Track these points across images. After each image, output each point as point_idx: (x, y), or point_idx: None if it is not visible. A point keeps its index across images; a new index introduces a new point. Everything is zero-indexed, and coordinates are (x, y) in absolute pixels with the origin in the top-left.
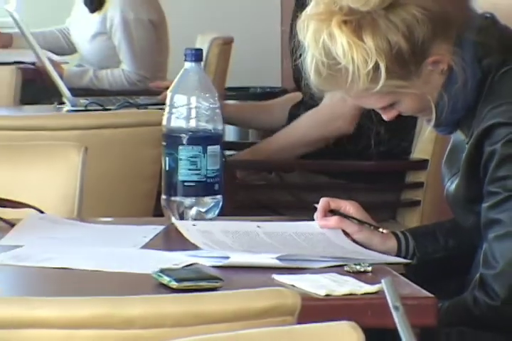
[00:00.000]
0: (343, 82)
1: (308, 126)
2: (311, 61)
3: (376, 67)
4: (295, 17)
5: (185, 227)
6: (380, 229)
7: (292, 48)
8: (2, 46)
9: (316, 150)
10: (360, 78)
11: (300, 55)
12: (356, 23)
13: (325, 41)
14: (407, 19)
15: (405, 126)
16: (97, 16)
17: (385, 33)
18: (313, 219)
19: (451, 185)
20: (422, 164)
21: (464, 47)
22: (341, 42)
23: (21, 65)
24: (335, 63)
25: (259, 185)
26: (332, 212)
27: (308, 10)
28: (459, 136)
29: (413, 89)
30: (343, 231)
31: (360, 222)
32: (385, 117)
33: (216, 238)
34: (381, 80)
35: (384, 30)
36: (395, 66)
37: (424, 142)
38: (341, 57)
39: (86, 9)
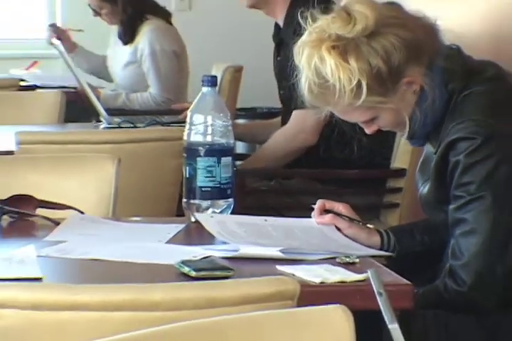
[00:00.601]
0: (331, 98)
1: (278, 141)
2: (305, 81)
3: (359, 84)
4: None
5: (204, 218)
6: (368, 225)
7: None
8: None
9: (310, 158)
10: (345, 94)
11: (296, 76)
12: (342, 48)
13: (316, 63)
14: (385, 45)
15: (385, 140)
16: (129, 48)
17: (366, 56)
18: (311, 217)
19: (424, 189)
20: (400, 172)
21: (434, 72)
22: (330, 64)
23: (65, 89)
24: (324, 82)
25: (264, 190)
26: (326, 211)
27: (303, 38)
28: (429, 148)
29: (390, 105)
30: (336, 227)
31: (350, 220)
32: (367, 131)
33: (229, 228)
34: (363, 96)
35: (366, 54)
36: (375, 84)
37: (402, 154)
38: (330, 77)
39: (120, 42)
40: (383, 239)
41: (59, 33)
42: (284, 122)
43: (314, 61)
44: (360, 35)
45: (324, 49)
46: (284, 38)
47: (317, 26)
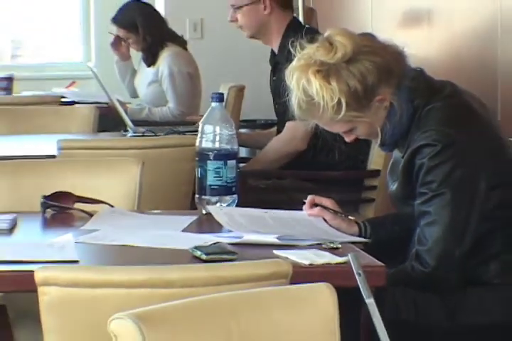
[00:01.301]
0: (316, 113)
1: (274, 147)
2: (294, 98)
3: (339, 102)
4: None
5: (214, 210)
6: (349, 217)
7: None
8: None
9: (300, 162)
10: (328, 109)
11: (287, 94)
12: (325, 72)
13: (304, 85)
14: (361, 69)
15: (362, 147)
16: (151, 70)
17: (345, 79)
18: (303, 210)
19: (393, 187)
20: (375, 173)
21: (401, 91)
22: (315, 85)
23: (98, 104)
24: (311, 99)
25: (262, 187)
26: (315, 205)
27: (293, 63)
28: (397, 153)
29: (365, 119)
30: (323, 218)
31: (335, 212)
32: (347, 140)
33: (235, 219)
34: (342, 111)
35: (345, 77)
36: (352, 102)
37: (377, 157)
38: (315, 95)
39: (144, 65)
40: (361, 229)
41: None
42: (279, 131)
43: (302, 83)
44: (340, 61)
45: (310, 73)
46: (278, 62)
47: (305, 53)
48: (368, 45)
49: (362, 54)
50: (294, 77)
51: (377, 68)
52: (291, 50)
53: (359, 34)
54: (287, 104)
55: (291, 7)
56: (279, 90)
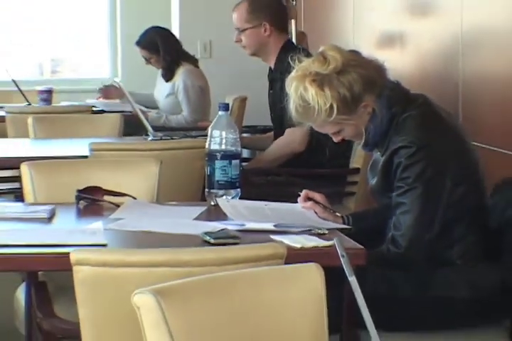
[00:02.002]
0: (311, 116)
1: (275, 148)
2: (292, 103)
3: (331, 106)
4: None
5: (222, 202)
6: (336, 213)
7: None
8: (117, 97)
9: (294, 161)
10: (321, 113)
11: (286, 100)
12: (320, 81)
13: (301, 92)
14: (349, 80)
15: (346, 149)
16: (169, 84)
17: (336, 87)
18: (297, 203)
19: (373, 182)
20: (356, 170)
21: (382, 99)
22: (311, 92)
23: (123, 113)
24: (307, 104)
25: (262, 183)
26: (309, 199)
27: (292, 73)
28: (376, 153)
29: (352, 121)
30: (314, 211)
31: (324, 207)
32: (335, 140)
33: (238, 210)
34: (334, 114)
35: (336, 86)
36: (342, 106)
37: (358, 157)
38: (311, 101)
39: (163, 80)
40: (344, 221)
41: (107, 93)
42: (275, 135)
43: (300, 90)
44: (332, 72)
45: (307, 82)
46: (274, 78)
47: (302, 66)
48: (355, 59)
49: (350, 67)
50: (292, 85)
51: (363, 79)
52: (291, 63)
53: (348, 50)
54: (283, 112)
55: (286, 31)
56: (274, 101)
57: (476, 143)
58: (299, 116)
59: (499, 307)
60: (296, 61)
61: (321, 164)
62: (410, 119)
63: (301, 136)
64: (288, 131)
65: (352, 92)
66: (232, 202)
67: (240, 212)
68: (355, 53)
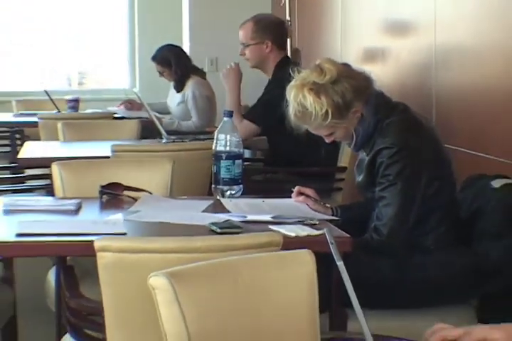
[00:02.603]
0: (308, 120)
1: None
2: (292, 109)
3: (326, 112)
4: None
5: (225, 201)
6: (326, 204)
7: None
8: (137, 109)
9: (289, 161)
10: (317, 117)
11: (286, 106)
12: (316, 90)
13: (300, 99)
14: (342, 89)
15: (333, 150)
16: (180, 94)
17: (331, 95)
18: (291, 198)
19: (359, 178)
20: (343, 169)
21: (369, 105)
22: (309, 99)
23: (140, 119)
24: (305, 110)
25: (261, 180)
26: (301, 193)
27: (292, 83)
28: (362, 153)
29: (343, 125)
30: (307, 204)
31: (315, 200)
32: (327, 141)
33: (240, 207)
34: (328, 119)
35: (331, 94)
36: (335, 112)
37: (344, 157)
38: (309, 107)
39: (174, 91)
40: (333, 212)
41: (129, 106)
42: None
43: (299, 97)
44: (328, 82)
45: (306, 90)
46: (268, 88)
47: (301, 76)
48: (347, 71)
49: (343, 77)
50: (292, 93)
51: (353, 88)
52: (291, 73)
53: (341, 63)
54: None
55: (285, 48)
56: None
57: (447, 145)
58: (297, 120)
59: (468, 288)
60: (296, 72)
61: (317, 162)
62: (392, 124)
63: (249, 132)
64: (245, 122)
65: (344, 100)
66: (234, 201)
67: (241, 209)
68: (346, 66)
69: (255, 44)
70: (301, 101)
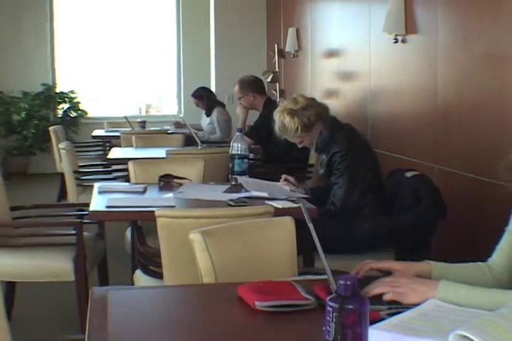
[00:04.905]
0: (286, 133)
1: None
2: (276, 125)
3: (297, 128)
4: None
5: (241, 179)
6: (301, 188)
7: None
8: (182, 127)
9: (276, 158)
10: (292, 131)
11: (273, 124)
12: (292, 113)
13: (281, 119)
14: (309, 113)
15: (307, 152)
16: (208, 117)
17: (301, 117)
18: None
19: (321, 171)
20: (311, 165)
21: (326, 125)
22: (287, 119)
23: (184, 134)
24: (284, 126)
25: (260, 172)
26: (285, 180)
27: (277, 109)
28: (323, 155)
29: (309, 137)
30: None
31: (294, 185)
32: (300, 146)
33: (249, 182)
34: (298, 132)
35: (301, 116)
36: (303, 128)
37: (313, 157)
38: (287, 124)
39: (205, 116)
40: (305, 193)
41: (177, 125)
42: (262, 147)
43: (281, 118)
44: (299, 109)
45: (285, 114)
46: (259, 119)
47: (283, 104)
48: (312, 102)
49: (309, 106)
50: (276, 115)
51: (316, 113)
52: (278, 104)
53: (309, 97)
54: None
55: (265, 93)
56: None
57: (377, 150)
58: (279, 132)
59: (390, 241)
60: (281, 102)
61: (295, 160)
62: (342, 137)
63: (248, 143)
64: (245, 137)
65: (310, 121)
66: (245, 179)
67: (249, 184)
68: (313, 99)
69: (244, 96)
70: (281, 120)
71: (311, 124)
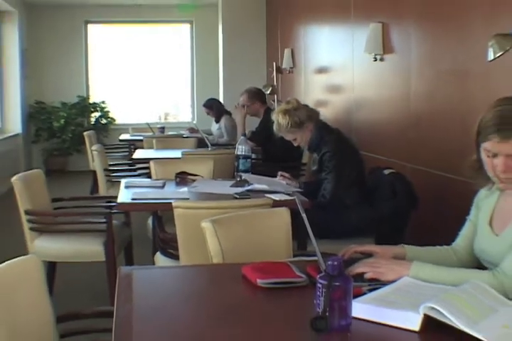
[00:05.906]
0: (282, 129)
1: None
2: (274, 125)
3: (288, 123)
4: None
5: (245, 175)
6: (295, 183)
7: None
8: (195, 132)
9: (275, 157)
10: (286, 128)
11: (273, 123)
12: (285, 112)
13: (277, 118)
14: (300, 113)
15: (299, 152)
16: (217, 124)
17: (293, 116)
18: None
19: (314, 168)
20: (305, 164)
21: (316, 129)
22: (282, 118)
23: (197, 137)
24: (278, 124)
25: (261, 169)
26: (282, 176)
27: (275, 110)
28: (314, 154)
29: (301, 134)
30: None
31: (290, 180)
32: (294, 144)
33: (252, 177)
34: (289, 127)
35: (293, 115)
36: (295, 126)
37: (305, 156)
38: (281, 122)
39: (215, 122)
40: (299, 187)
41: (191, 131)
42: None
43: (276, 117)
44: (292, 109)
45: (280, 113)
46: (260, 125)
47: (279, 107)
48: (303, 105)
49: (300, 107)
50: (274, 115)
51: (307, 114)
52: (275, 108)
53: (302, 103)
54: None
55: (266, 102)
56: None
57: (361, 151)
58: (276, 130)
59: (371, 228)
60: (277, 106)
61: (290, 159)
62: (331, 139)
63: (250, 145)
64: (248, 141)
65: (301, 119)
66: (249, 175)
67: (252, 179)
68: (305, 105)
69: (251, 104)
70: (276, 119)
71: (301, 122)
